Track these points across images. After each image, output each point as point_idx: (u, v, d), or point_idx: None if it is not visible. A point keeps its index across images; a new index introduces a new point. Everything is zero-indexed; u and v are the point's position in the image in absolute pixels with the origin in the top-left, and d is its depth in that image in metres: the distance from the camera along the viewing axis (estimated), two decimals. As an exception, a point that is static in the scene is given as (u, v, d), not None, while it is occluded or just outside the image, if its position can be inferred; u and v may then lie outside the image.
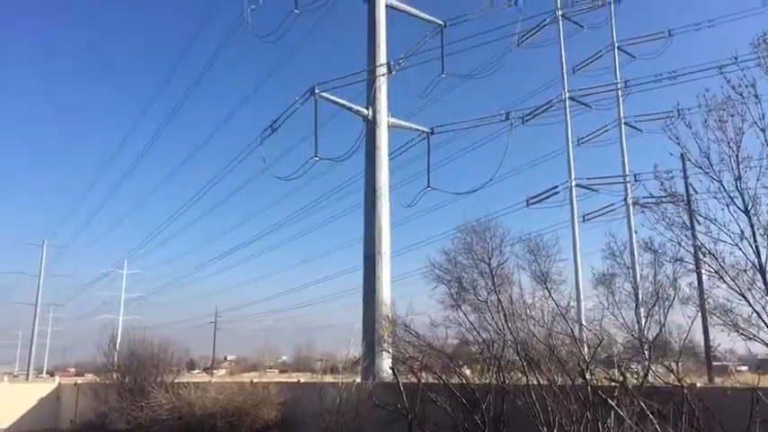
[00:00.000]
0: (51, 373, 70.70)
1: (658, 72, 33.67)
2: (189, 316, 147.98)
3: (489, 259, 12.58)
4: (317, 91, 26.99)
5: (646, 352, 10.51)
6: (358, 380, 18.21)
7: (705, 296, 10.52)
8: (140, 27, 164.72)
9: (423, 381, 14.87)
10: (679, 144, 10.39)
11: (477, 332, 12.99)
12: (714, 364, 25.64)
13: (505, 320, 12.27)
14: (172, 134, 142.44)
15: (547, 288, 11.60)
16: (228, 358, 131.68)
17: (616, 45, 43.01)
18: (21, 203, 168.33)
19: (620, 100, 41.69)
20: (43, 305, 79.44)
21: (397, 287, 24.20)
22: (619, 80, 41.23)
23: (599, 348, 11.58)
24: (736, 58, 9.84)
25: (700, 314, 11.07)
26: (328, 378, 18.84)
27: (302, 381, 21.75)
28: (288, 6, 28.28)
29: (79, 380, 31.18)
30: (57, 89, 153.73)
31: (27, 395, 29.10)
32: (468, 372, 15.26)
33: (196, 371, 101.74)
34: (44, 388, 30.28)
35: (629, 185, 39.37)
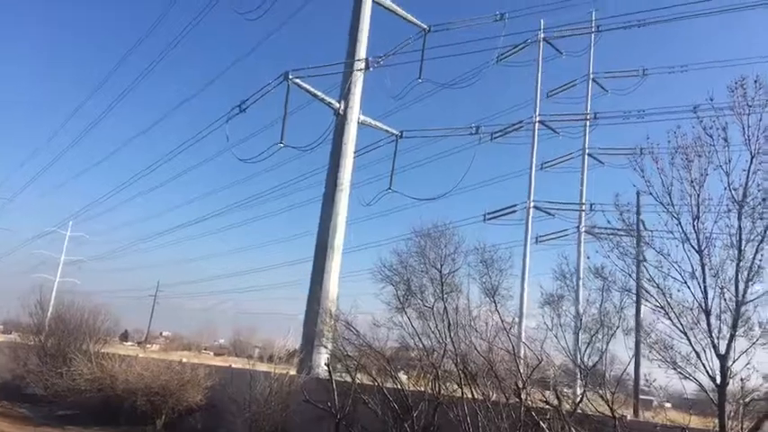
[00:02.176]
0: (-23, 328, 67.32)
1: (629, 109, 34.20)
2: (130, 286, 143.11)
3: (441, 266, 12.35)
4: (290, 77, 26.53)
5: (581, 379, 10.44)
6: (292, 372, 17.75)
7: (647, 330, 10.57)
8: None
9: (358, 381, 14.54)
10: (643, 177, 10.39)
11: (419, 338, 12.74)
12: (641, 397, 26.19)
13: (448, 329, 12.05)
14: (142, 98, 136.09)
15: (494, 301, 11.44)
16: (164, 334, 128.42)
17: (591, 76, 43.65)
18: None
19: (588, 130, 42.36)
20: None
21: (345, 285, 23.87)
22: (589, 111, 41.85)
23: (537, 369, 11.50)
24: (711, 99, 9.87)
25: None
26: (263, 367, 18.30)
27: (234, 366, 21.12)
28: (272, -14, 27.61)
29: (2, 338, 29.42)
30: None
31: (-62, 348, 26.97)
32: (404, 377, 15.03)
33: (129, 343, 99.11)
34: (-41, 342, 28.24)
35: (583, 214, 40.03)
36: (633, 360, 10.26)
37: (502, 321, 11.38)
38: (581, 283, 14.50)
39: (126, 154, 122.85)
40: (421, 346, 12.74)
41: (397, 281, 13.10)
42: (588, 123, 41.61)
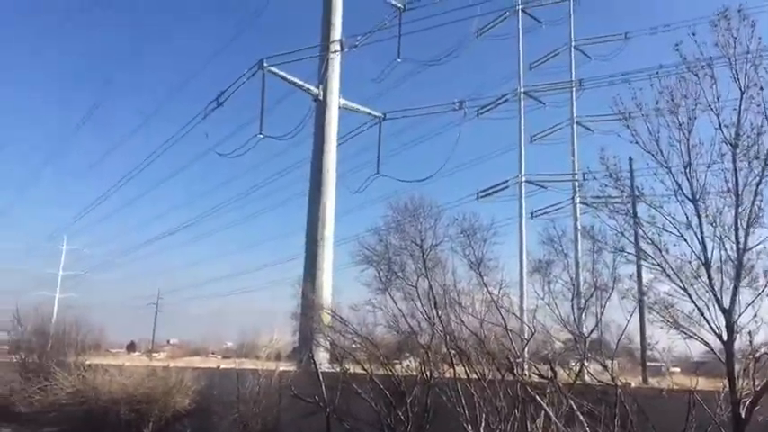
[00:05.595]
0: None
1: (613, 73, 33.28)
2: (132, 297, 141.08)
3: (421, 241, 11.57)
4: (265, 65, 25.81)
5: (580, 347, 9.73)
6: (283, 368, 17.05)
7: (644, 289, 9.86)
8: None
9: (351, 371, 13.82)
10: (628, 126, 9.60)
11: (405, 319, 11.99)
12: (648, 364, 25.55)
13: (435, 308, 11.31)
14: (121, 102, 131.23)
15: (479, 273, 10.68)
16: (171, 342, 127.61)
17: (573, 44, 42.72)
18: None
19: (574, 99, 41.49)
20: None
21: (339, 277, 23.23)
22: (573, 79, 40.97)
23: (532, 342, 10.80)
24: (693, 34, 9.02)
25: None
26: (249, 365, 17.61)
27: (222, 367, 20.43)
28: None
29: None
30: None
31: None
32: (399, 365, 14.29)
33: (137, 353, 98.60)
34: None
35: (576, 184, 39.23)
36: (627, 324, 9.50)
37: (490, 294, 10.63)
38: (578, 247, 13.68)
39: (111, 161, 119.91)
40: (408, 327, 11.99)
41: (377, 261, 12.34)
42: (574, 91, 40.78)
